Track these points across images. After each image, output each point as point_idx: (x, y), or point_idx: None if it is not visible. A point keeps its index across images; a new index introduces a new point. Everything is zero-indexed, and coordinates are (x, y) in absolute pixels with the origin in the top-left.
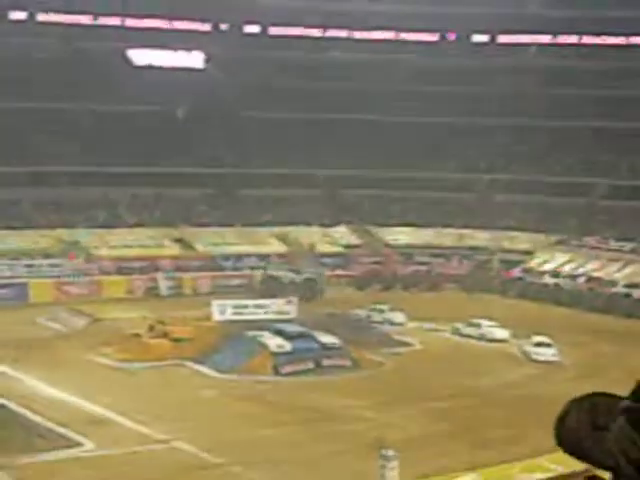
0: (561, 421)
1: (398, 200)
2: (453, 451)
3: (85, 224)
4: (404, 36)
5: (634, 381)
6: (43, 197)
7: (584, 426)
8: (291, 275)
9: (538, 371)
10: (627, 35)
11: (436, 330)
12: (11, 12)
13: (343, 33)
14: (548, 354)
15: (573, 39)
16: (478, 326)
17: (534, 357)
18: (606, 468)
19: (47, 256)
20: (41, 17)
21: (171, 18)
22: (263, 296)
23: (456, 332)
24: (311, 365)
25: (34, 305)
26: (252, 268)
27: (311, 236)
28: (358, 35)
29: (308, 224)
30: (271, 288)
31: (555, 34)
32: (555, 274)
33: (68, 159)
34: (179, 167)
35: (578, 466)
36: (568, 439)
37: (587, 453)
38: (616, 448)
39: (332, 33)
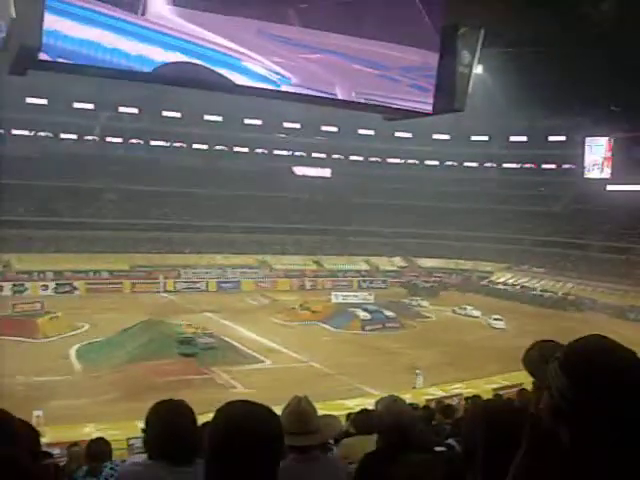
0: (526, 353)
1: (425, 244)
2: (449, 372)
3: (272, 252)
4: None
5: (547, 337)
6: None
7: (537, 358)
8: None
9: (494, 333)
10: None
11: (444, 311)
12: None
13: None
14: (500, 324)
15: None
16: (465, 309)
17: (493, 325)
18: (546, 387)
19: (251, 267)
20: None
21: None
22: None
23: (454, 312)
24: (380, 326)
25: (244, 292)
26: (353, 277)
27: (382, 262)
28: None
29: (380, 255)
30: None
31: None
32: (505, 283)
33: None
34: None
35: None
36: (529, 365)
37: (537, 375)
38: (550, 378)
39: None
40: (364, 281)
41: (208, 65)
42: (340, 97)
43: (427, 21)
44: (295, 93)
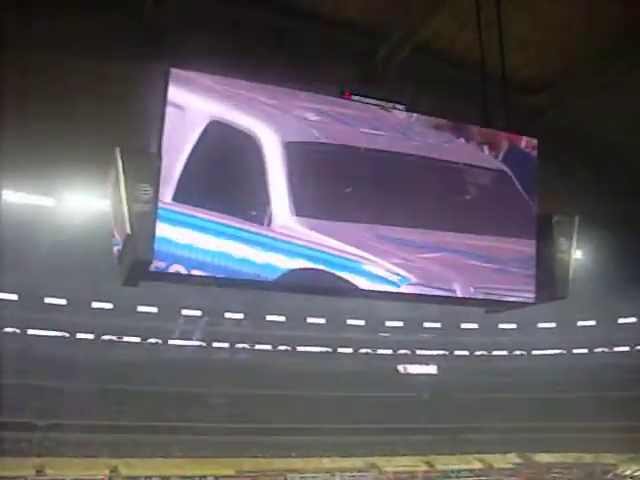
0: None
1: (540, 438)
2: None
3: (380, 454)
4: None
5: None
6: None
7: None
8: None
9: None
10: None
11: None
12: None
13: None
14: None
15: None
16: None
17: None
18: None
19: (360, 470)
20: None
21: None
22: None
23: None
24: None
25: None
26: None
27: (496, 459)
28: None
29: (494, 453)
30: None
31: None
32: (632, 476)
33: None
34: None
35: None
36: None
37: None
38: None
39: None
40: None
41: (331, 270)
42: (459, 294)
43: (530, 212)
44: (415, 294)
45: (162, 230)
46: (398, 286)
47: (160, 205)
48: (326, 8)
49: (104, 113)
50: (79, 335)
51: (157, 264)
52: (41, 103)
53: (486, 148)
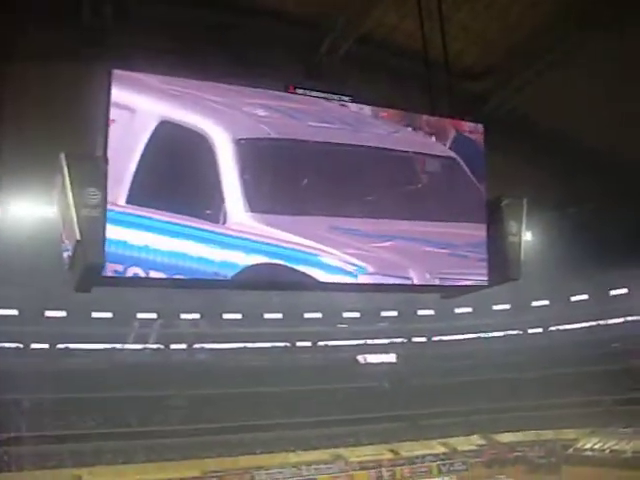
0: None
1: (501, 419)
2: None
3: (345, 444)
4: None
5: None
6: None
7: None
8: None
9: None
10: None
11: None
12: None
13: None
14: None
15: None
16: None
17: None
18: None
19: (326, 463)
20: None
21: None
22: None
23: None
24: None
25: None
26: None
27: (459, 442)
28: None
29: (457, 436)
30: None
31: None
32: (592, 449)
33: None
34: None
35: None
36: None
37: None
38: None
39: None
40: (444, 465)
41: (288, 264)
42: (416, 281)
43: (480, 197)
44: (373, 284)
45: (117, 233)
46: (355, 276)
47: (114, 208)
48: (268, 3)
49: (48, 118)
50: (33, 345)
51: (115, 267)
52: None
53: (434, 136)
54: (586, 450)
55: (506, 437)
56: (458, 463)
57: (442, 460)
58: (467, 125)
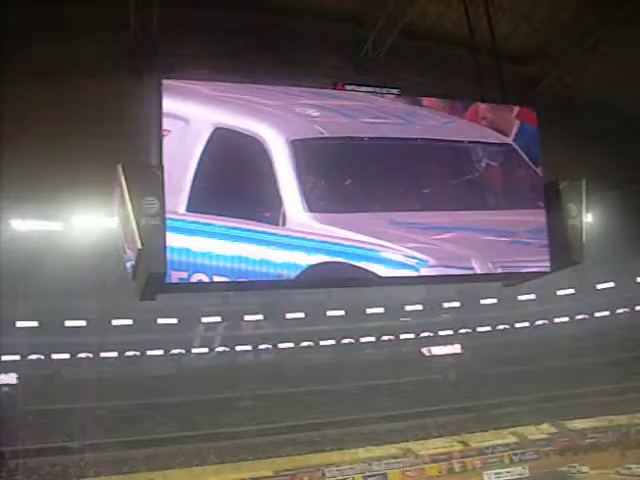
0: None
1: (571, 405)
2: None
3: (414, 438)
4: None
5: None
6: None
7: None
8: None
9: None
10: None
11: (606, 473)
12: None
13: None
14: None
15: None
16: (630, 469)
17: None
18: None
19: (396, 457)
20: None
21: None
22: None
23: (618, 473)
24: None
25: None
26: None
27: (530, 431)
28: None
29: (527, 425)
30: None
31: None
32: None
33: None
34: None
35: None
36: None
37: None
38: None
39: None
40: (515, 454)
41: (349, 261)
42: (478, 271)
43: (538, 182)
44: (435, 275)
45: (180, 241)
46: (417, 270)
47: (175, 217)
48: (309, 2)
49: (102, 132)
50: (102, 354)
51: (179, 275)
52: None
53: (487, 123)
54: None
55: (577, 424)
56: (530, 452)
57: (513, 450)
58: (520, 110)
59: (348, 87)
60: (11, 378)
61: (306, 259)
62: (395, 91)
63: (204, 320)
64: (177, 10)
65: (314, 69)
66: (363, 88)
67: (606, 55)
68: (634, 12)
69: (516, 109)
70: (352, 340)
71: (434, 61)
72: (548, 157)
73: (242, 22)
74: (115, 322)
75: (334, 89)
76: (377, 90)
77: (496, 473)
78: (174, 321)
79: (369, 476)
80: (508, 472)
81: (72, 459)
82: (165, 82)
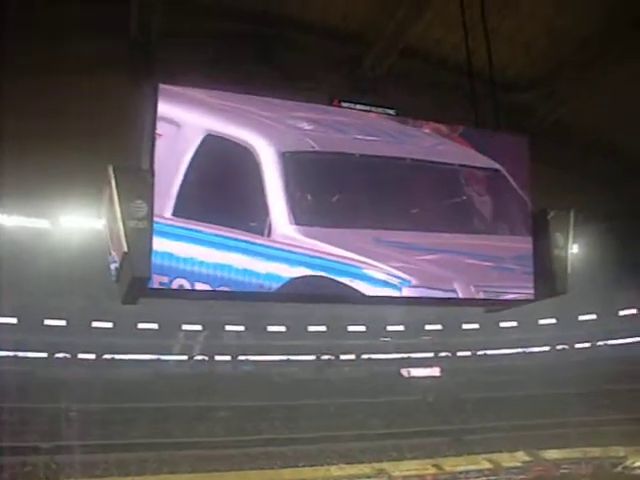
0: None
1: (546, 435)
2: None
3: (388, 459)
4: None
5: None
6: None
7: None
8: None
9: None
10: None
11: None
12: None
13: None
14: None
15: None
16: None
17: None
18: None
19: (368, 477)
20: None
21: None
22: None
23: None
24: None
25: None
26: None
27: (504, 458)
28: None
29: (501, 451)
30: None
31: None
32: None
33: None
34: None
35: None
36: None
37: None
38: None
39: None
40: None
41: (332, 276)
42: (461, 295)
43: (526, 209)
44: (417, 297)
45: (163, 245)
46: (399, 289)
47: (161, 221)
48: (312, 18)
49: (96, 132)
50: (80, 355)
51: (161, 279)
52: (33, 125)
53: (479, 148)
54: (635, 468)
55: (552, 454)
56: (503, 479)
57: (486, 476)
58: (512, 137)
59: (344, 104)
60: None
61: (288, 271)
62: (390, 111)
63: (185, 327)
64: (177, 17)
65: (311, 84)
66: (359, 106)
67: (604, 88)
68: (634, 48)
69: (508, 136)
70: (332, 356)
71: (431, 84)
72: (537, 186)
73: (242, 32)
74: (95, 324)
75: (330, 105)
76: (373, 109)
77: None
78: (155, 326)
79: None
80: None
81: (43, 460)
82: (162, 86)
